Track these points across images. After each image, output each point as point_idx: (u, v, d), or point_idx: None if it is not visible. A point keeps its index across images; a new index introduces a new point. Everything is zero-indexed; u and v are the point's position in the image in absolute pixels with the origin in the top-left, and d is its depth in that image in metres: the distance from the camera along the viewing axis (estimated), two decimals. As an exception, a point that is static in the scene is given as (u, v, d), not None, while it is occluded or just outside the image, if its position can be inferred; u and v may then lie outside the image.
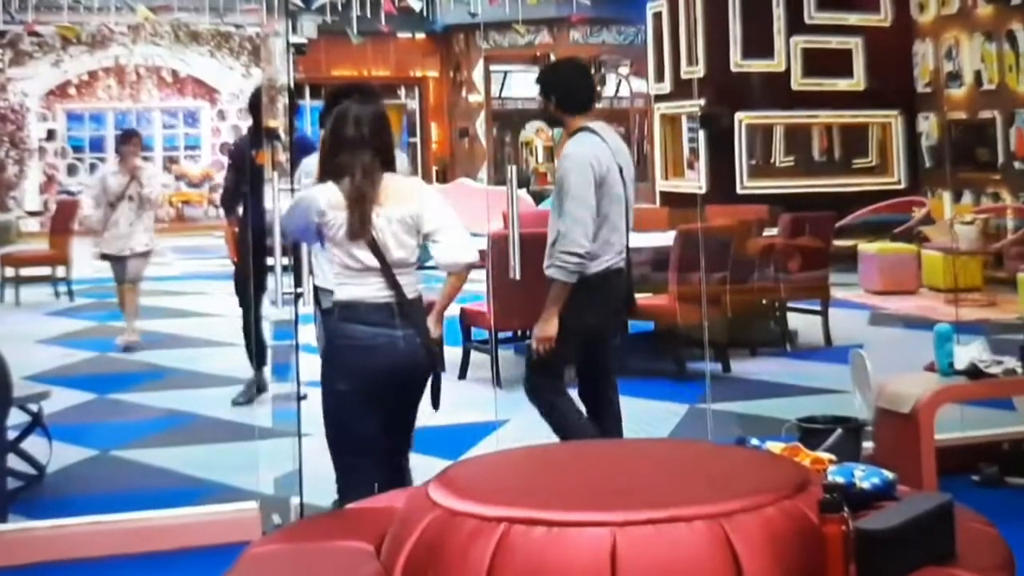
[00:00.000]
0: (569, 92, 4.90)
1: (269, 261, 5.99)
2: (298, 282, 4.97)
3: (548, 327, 4.67)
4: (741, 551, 2.53)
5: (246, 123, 6.93)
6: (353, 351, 3.92)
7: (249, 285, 6.71)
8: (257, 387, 6.79)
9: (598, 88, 19.29)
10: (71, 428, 6.50)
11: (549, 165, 19.27)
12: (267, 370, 6.57)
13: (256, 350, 6.76)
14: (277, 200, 4.88)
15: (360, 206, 3.87)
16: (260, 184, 6.13)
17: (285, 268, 4.92)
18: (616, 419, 5.00)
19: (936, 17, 13.08)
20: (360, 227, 3.87)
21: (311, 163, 5.28)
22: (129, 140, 9.28)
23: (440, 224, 3.95)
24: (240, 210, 7.14)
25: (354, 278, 3.94)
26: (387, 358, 3.90)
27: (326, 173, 3.98)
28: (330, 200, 3.92)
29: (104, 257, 9.09)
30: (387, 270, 3.90)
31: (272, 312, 5.13)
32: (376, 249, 3.90)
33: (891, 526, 2.66)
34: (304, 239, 4.29)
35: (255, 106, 6.90)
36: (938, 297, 10.51)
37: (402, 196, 3.96)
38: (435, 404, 4.10)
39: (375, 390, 3.91)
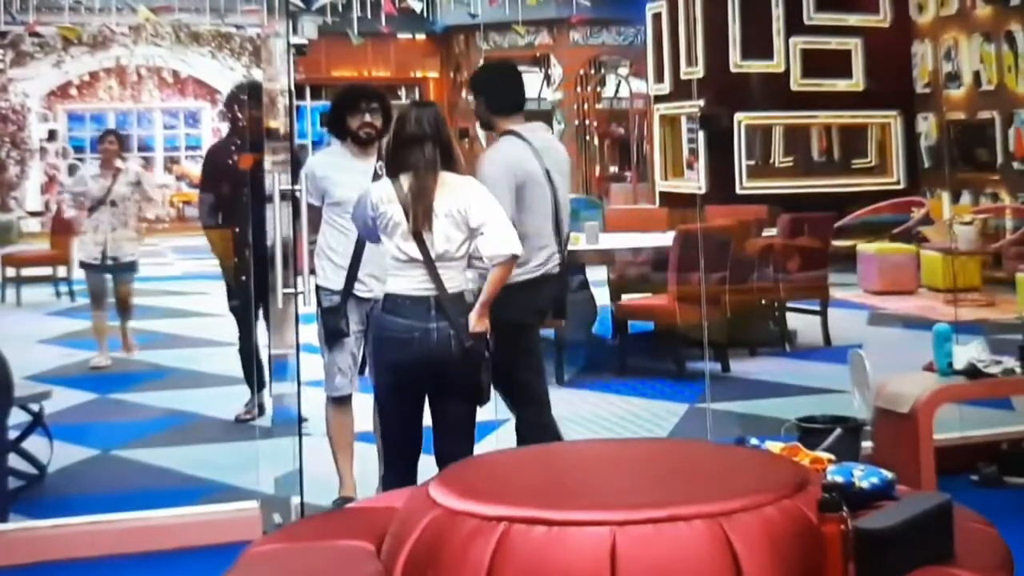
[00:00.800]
0: (495, 95, 4.92)
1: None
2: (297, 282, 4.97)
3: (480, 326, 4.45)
4: (740, 550, 2.53)
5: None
6: (390, 342, 4.11)
7: (249, 306, 6.44)
8: (258, 408, 6.57)
9: (605, 91, 19.30)
10: (72, 428, 6.51)
11: (549, 165, 19.26)
12: (266, 392, 6.49)
13: (256, 372, 6.55)
14: (279, 203, 4.89)
15: (423, 199, 4.07)
16: (256, 191, 6.03)
17: (285, 267, 4.93)
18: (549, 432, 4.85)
19: (935, 18, 13.08)
20: (423, 219, 4.05)
21: (314, 163, 5.30)
22: (105, 140, 8.51)
23: (485, 218, 4.10)
24: (220, 218, 6.81)
25: (400, 270, 4.11)
26: (420, 350, 4.06)
27: (392, 170, 4.18)
28: (382, 196, 4.12)
29: (83, 266, 8.46)
30: (430, 263, 4.06)
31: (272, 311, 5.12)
32: (421, 242, 4.06)
33: (890, 525, 2.66)
34: (370, 237, 4.35)
35: (233, 104, 6.68)
36: (937, 297, 10.51)
37: (452, 192, 4.12)
38: (477, 399, 4.24)
39: (409, 380, 4.12)
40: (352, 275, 5.01)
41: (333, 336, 5.05)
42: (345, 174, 5.03)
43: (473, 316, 4.11)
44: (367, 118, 5.13)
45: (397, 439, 4.25)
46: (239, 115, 6.69)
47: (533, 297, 4.78)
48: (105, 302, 8.44)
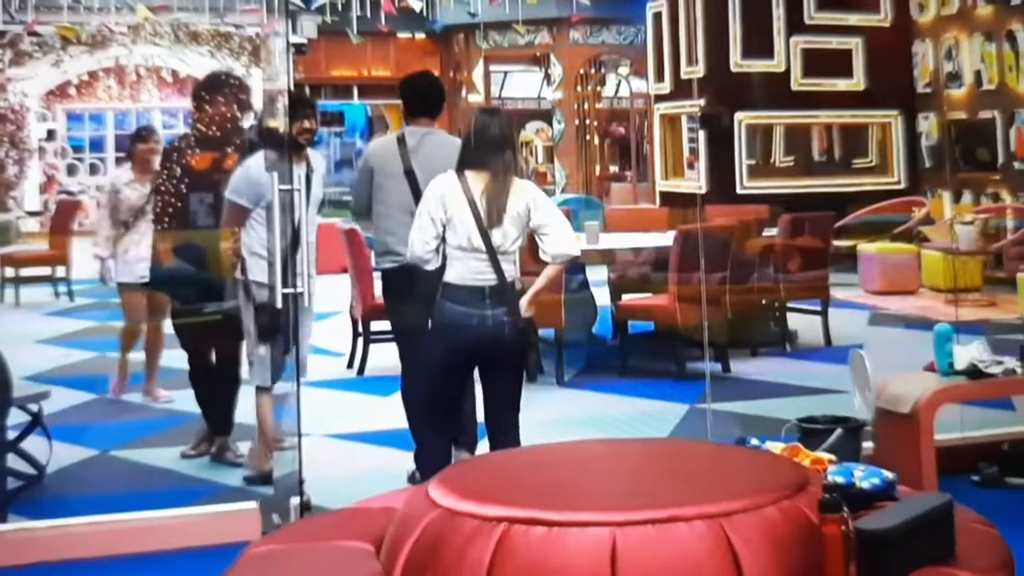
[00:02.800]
0: (403, 99, 5.52)
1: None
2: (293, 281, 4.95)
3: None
4: (741, 551, 2.53)
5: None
6: (450, 327, 4.53)
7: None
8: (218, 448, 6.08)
9: (605, 90, 19.29)
10: (71, 428, 6.50)
11: (549, 165, 19.28)
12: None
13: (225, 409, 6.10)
14: (278, 203, 4.88)
15: (498, 199, 4.49)
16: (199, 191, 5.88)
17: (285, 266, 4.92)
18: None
19: (936, 17, 13.07)
20: (496, 217, 4.47)
21: (253, 168, 5.33)
22: (148, 139, 7.15)
23: (547, 220, 4.54)
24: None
25: (460, 259, 4.50)
26: (478, 334, 4.50)
27: (462, 167, 4.57)
28: (447, 189, 4.53)
29: (124, 287, 7.03)
30: (492, 253, 4.47)
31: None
32: (486, 235, 4.47)
33: (891, 526, 2.66)
34: (426, 252, 4.59)
35: (204, 95, 6.15)
36: (938, 297, 10.52)
37: (515, 194, 4.54)
38: (523, 375, 4.76)
39: (464, 361, 4.60)
40: (289, 272, 5.11)
41: (271, 332, 5.15)
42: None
43: (524, 303, 4.56)
44: (306, 124, 5.34)
45: (439, 414, 4.66)
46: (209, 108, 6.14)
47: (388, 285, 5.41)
48: (140, 331, 7.24)
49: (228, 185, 5.56)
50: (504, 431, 4.64)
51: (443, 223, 4.51)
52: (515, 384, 4.69)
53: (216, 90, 6.17)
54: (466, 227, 4.48)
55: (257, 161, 5.36)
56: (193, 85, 7.13)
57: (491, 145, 4.55)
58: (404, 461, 5.53)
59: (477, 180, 4.52)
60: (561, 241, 4.56)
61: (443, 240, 4.55)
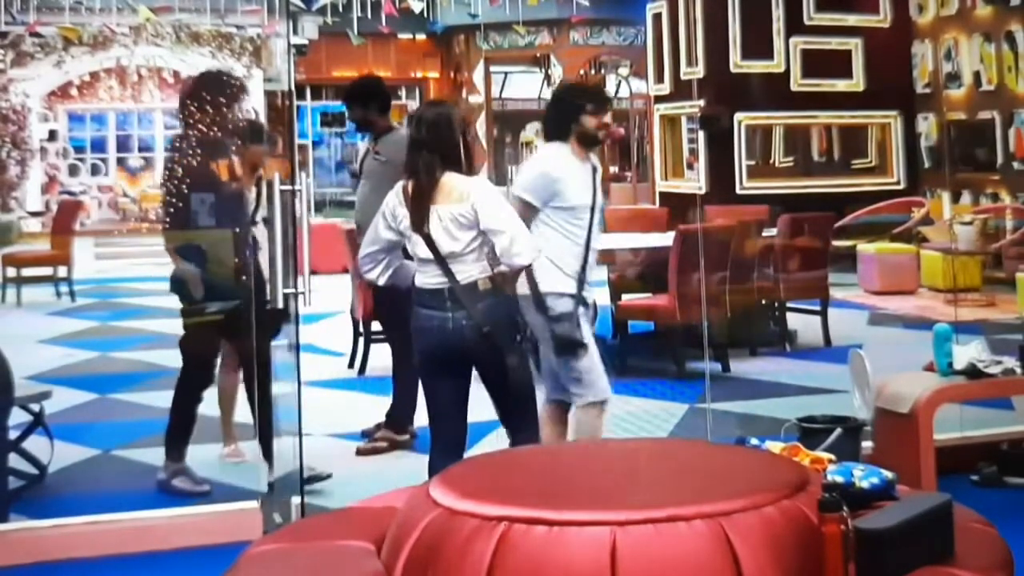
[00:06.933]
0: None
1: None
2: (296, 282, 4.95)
3: None
4: (740, 551, 2.53)
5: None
6: (418, 331, 4.44)
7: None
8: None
9: (606, 91, 19.28)
10: (72, 428, 6.50)
11: (549, 165, 19.27)
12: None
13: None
14: (279, 202, 4.88)
15: (420, 203, 4.30)
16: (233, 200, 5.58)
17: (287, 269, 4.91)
18: None
19: (935, 18, 13.08)
20: (420, 222, 4.29)
21: (549, 162, 4.94)
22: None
23: (493, 224, 4.28)
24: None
25: (420, 266, 4.38)
26: (439, 337, 4.35)
27: (407, 173, 4.40)
28: (395, 199, 4.39)
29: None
30: (441, 261, 4.30)
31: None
32: (431, 243, 4.29)
33: (890, 525, 2.66)
34: (376, 266, 4.52)
35: (202, 96, 5.77)
36: (937, 297, 10.53)
37: (457, 195, 4.30)
38: (506, 379, 4.50)
39: (436, 364, 4.42)
40: (582, 280, 4.85)
41: (570, 345, 4.81)
42: (576, 177, 4.86)
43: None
44: (607, 119, 4.95)
45: (436, 421, 4.52)
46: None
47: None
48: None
49: (516, 180, 5.13)
50: (512, 431, 4.54)
51: (397, 231, 4.38)
52: (499, 387, 4.45)
53: (216, 89, 5.89)
54: (412, 234, 4.33)
55: (552, 154, 4.95)
56: (190, 84, 6.62)
57: (414, 146, 4.35)
58: (405, 460, 5.54)
59: (409, 184, 4.36)
60: (510, 247, 4.26)
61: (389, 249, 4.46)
